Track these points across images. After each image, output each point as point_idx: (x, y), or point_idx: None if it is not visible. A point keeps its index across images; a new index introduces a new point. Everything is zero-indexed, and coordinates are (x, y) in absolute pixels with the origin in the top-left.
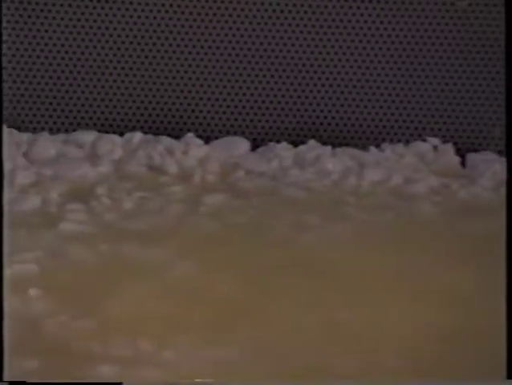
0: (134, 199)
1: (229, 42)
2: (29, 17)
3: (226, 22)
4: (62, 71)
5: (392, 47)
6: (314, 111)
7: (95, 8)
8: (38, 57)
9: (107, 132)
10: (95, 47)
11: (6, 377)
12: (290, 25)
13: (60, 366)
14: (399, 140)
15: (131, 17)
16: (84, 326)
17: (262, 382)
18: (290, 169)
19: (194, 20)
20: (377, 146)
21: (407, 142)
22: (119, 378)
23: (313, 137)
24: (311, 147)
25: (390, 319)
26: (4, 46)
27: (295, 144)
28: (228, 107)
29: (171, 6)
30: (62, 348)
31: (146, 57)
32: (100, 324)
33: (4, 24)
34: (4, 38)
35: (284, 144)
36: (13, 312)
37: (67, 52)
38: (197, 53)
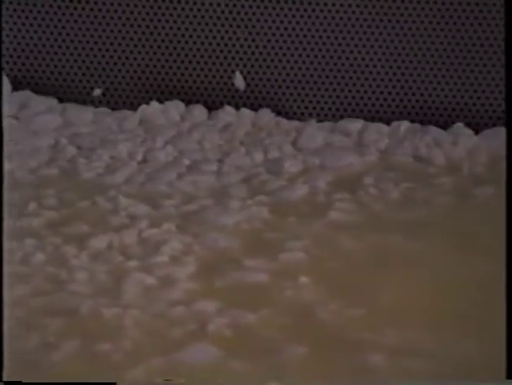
0: (401, 189)
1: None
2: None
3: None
4: (331, 57)
5: None
6: None
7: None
8: (308, 47)
9: (373, 121)
10: (367, 39)
11: (5, 377)
12: None
13: (331, 354)
14: None
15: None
16: (354, 315)
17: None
18: None
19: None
20: None
21: None
22: (388, 368)
23: None
24: None
25: None
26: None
27: None
28: (500, 93)
29: None
30: (334, 336)
31: (419, 49)
32: (370, 313)
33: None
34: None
35: None
36: (284, 299)
37: (337, 39)
38: (473, 39)
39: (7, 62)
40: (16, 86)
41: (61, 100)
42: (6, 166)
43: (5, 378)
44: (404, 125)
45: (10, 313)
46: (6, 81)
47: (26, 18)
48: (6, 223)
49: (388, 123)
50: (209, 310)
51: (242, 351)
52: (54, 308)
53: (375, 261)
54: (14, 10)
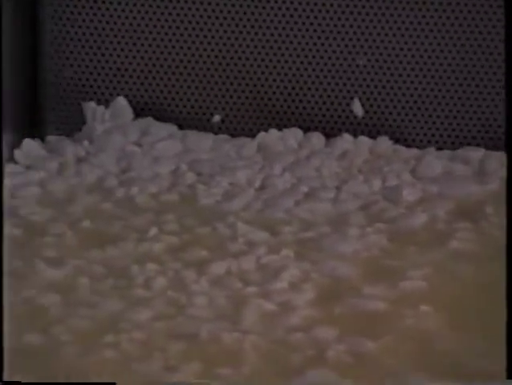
0: None
1: None
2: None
3: None
4: (452, 84)
5: None
6: None
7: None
8: (429, 74)
9: (494, 149)
10: (490, 66)
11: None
12: None
13: (452, 383)
14: None
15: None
16: (476, 344)
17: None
18: None
19: None
20: None
21: None
22: None
23: None
24: None
25: None
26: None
27: None
28: None
29: None
30: (455, 364)
31: None
32: (492, 342)
33: None
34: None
35: None
36: (404, 327)
37: (459, 66)
38: None
39: (130, 89)
40: (138, 113)
41: (181, 127)
42: (128, 191)
43: (5, 378)
44: None
45: (132, 336)
46: (128, 108)
47: (150, 45)
48: (128, 247)
49: None
50: (328, 336)
51: (362, 378)
52: (175, 332)
53: (497, 290)
54: (138, 38)
